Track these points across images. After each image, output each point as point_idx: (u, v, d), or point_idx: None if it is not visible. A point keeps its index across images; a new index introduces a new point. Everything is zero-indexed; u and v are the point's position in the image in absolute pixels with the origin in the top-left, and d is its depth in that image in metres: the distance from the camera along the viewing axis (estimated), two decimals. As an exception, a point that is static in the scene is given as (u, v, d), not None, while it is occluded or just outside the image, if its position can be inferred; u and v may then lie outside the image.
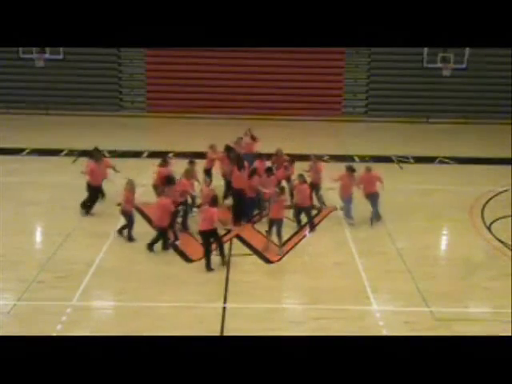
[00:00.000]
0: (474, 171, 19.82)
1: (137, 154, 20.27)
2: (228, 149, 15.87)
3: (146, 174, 16.48)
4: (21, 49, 25.20)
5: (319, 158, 16.44)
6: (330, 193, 16.01)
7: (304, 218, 14.58)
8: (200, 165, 15.60)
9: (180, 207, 13.93)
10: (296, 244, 13.74)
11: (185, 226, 14.15)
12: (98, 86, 26.72)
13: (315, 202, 15.55)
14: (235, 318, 10.61)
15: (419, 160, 20.83)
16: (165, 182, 13.94)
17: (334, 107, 27.17)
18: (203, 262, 12.56)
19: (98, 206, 15.08)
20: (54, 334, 9.78)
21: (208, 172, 15.81)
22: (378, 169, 15.94)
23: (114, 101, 27.05)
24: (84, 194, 15.04)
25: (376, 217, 14.90)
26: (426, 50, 25.81)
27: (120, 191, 14.01)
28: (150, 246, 13.00)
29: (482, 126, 25.77)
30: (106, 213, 14.98)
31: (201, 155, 16.53)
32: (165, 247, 13.11)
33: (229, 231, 13.99)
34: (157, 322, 10.36)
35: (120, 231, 13.69)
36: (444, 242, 15.10)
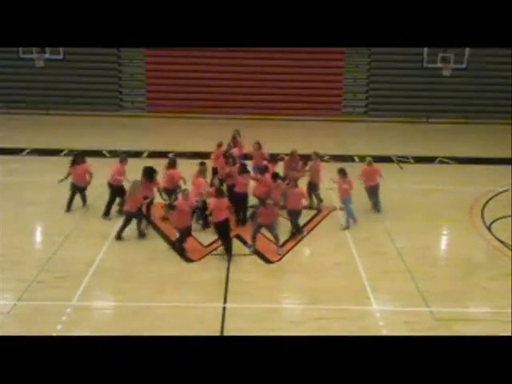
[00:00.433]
0: (473, 171, 19.80)
1: (137, 154, 20.24)
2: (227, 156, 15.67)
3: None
4: (21, 49, 25.17)
5: (320, 156, 16.38)
6: (330, 193, 16.02)
7: (304, 219, 14.55)
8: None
9: (199, 205, 13.75)
10: (296, 244, 13.73)
11: (207, 224, 14.04)
12: (98, 85, 26.68)
13: (315, 202, 15.56)
14: (235, 317, 10.61)
15: (419, 160, 20.82)
16: (176, 184, 13.91)
17: (334, 107, 27.14)
18: (203, 262, 12.54)
19: (97, 207, 15.06)
20: (54, 334, 9.77)
21: (216, 171, 15.59)
22: (378, 169, 15.93)
23: (113, 101, 27.02)
24: (85, 195, 15.20)
25: (377, 208, 14.90)
26: (426, 50, 25.78)
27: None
28: (180, 249, 12.88)
29: (482, 126, 25.73)
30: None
31: (201, 155, 16.42)
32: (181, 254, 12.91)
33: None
34: (157, 322, 10.35)
35: (118, 236, 13.55)
36: (444, 241, 15.09)
